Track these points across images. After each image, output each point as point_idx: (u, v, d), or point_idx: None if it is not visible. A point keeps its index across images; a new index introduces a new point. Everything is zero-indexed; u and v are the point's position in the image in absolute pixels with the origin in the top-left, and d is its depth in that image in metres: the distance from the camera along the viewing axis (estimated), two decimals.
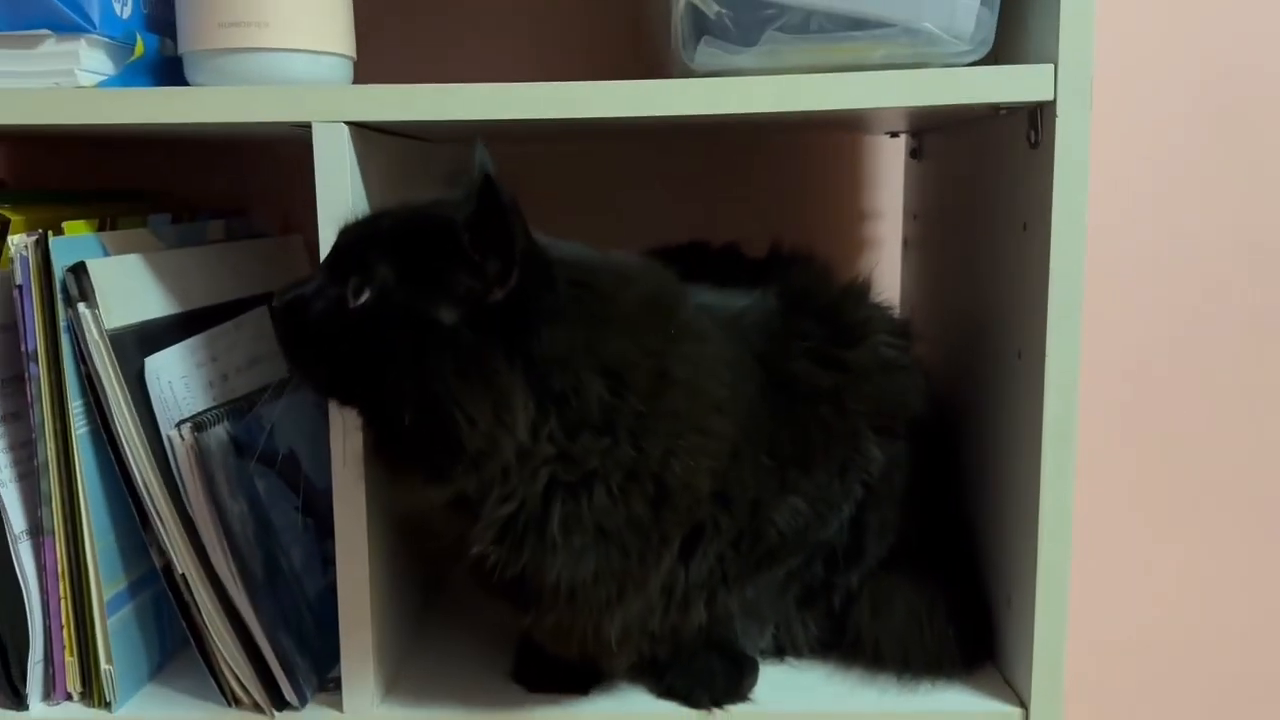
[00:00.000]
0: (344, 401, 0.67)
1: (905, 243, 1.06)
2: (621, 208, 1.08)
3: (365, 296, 0.63)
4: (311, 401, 0.93)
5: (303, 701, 0.75)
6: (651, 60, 0.85)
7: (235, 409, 0.80)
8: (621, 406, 0.64)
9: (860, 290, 0.78)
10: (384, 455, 0.67)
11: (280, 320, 0.66)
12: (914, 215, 1.03)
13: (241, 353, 0.86)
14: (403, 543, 0.81)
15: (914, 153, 1.02)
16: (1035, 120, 0.69)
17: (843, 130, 1.04)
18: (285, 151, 1.08)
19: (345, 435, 0.72)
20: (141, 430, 0.72)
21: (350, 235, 0.66)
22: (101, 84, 0.71)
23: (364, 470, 0.72)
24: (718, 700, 0.74)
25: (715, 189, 1.09)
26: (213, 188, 1.07)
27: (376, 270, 0.63)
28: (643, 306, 0.67)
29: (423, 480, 0.65)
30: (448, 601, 0.93)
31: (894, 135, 1.04)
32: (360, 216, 0.68)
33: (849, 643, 0.78)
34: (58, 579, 0.74)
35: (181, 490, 0.72)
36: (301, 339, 0.66)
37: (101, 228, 0.77)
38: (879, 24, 0.68)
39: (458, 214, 0.63)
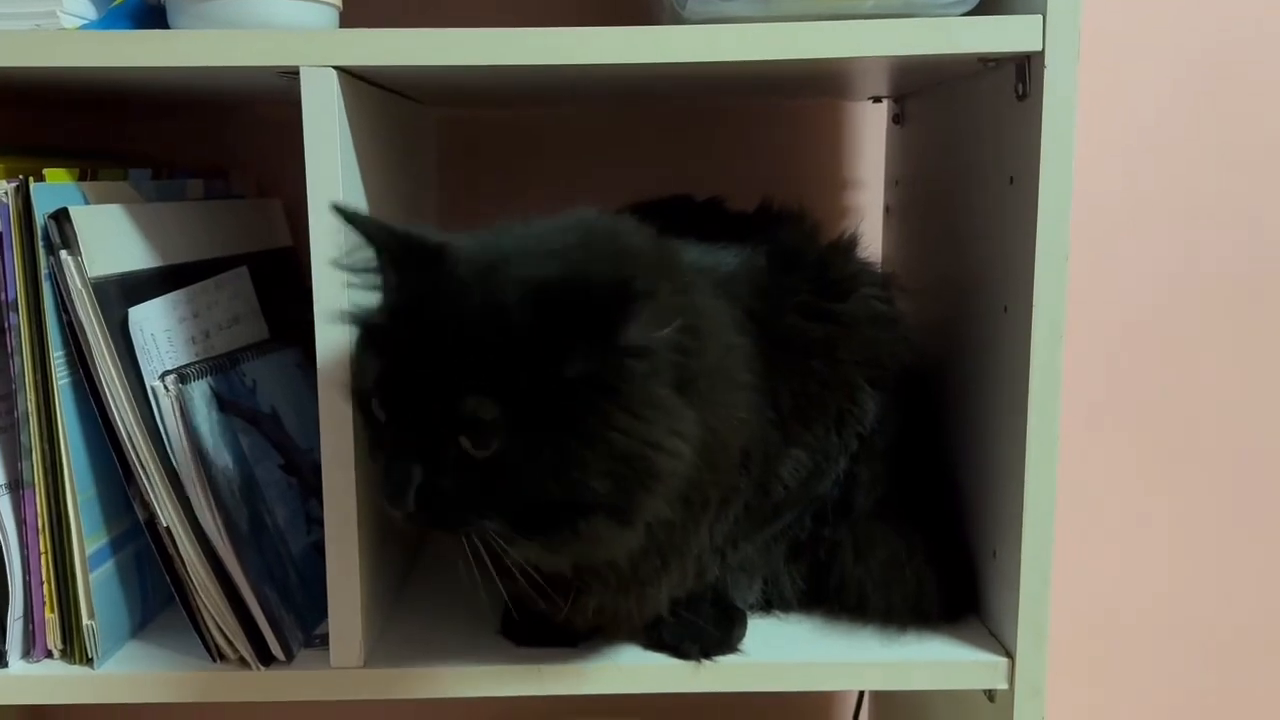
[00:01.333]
0: (526, 511, 0.60)
1: (887, 210, 1.06)
2: (601, 173, 1.08)
3: (493, 447, 0.58)
4: (293, 362, 0.92)
5: (289, 656, 0.74)
6: (638, 12, 0.85)
7: (217, 365, 0.79)
8: (688, 373, 0.62)
9: (847, 245, 0.79)
10: (550, 535, 0.61)
11: (424, 516, 0.61)
12: (896, 181, 1.04)
13: (222, 311, 0.85)
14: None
15: (896, 118, 1.03)
16: (1023, 72, 0.70)
17: (825, 95, 1.05)
18: (264, 114, 1.07)
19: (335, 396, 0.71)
20: (125, 381, 0.70)
21: (395, 385, 0.61)
22: (83, 27, 0.70)
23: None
24: (707, 652, 0.74)
25: (696, 157, 1.09)
26: (188, 151, 1.05)
27: (479, 413, 0.58)
28: (661, 261, 0.67)
29: (607, 532, 0.61)
30: (429, 562, 0.93)
31: (877, 100, 1.05)
32: (374, 367, 0.62)
33: (833, 592, 0.79)
34: (38, 533, 0.72)
35: (166, 442, 0.71)
36: (453, 514, 0.61)
37: (82, 178, 0.75)
38: None
39: (534, 310, 0.58)
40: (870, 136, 1.09)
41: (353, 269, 0.67)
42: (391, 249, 0.63)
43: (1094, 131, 0.97)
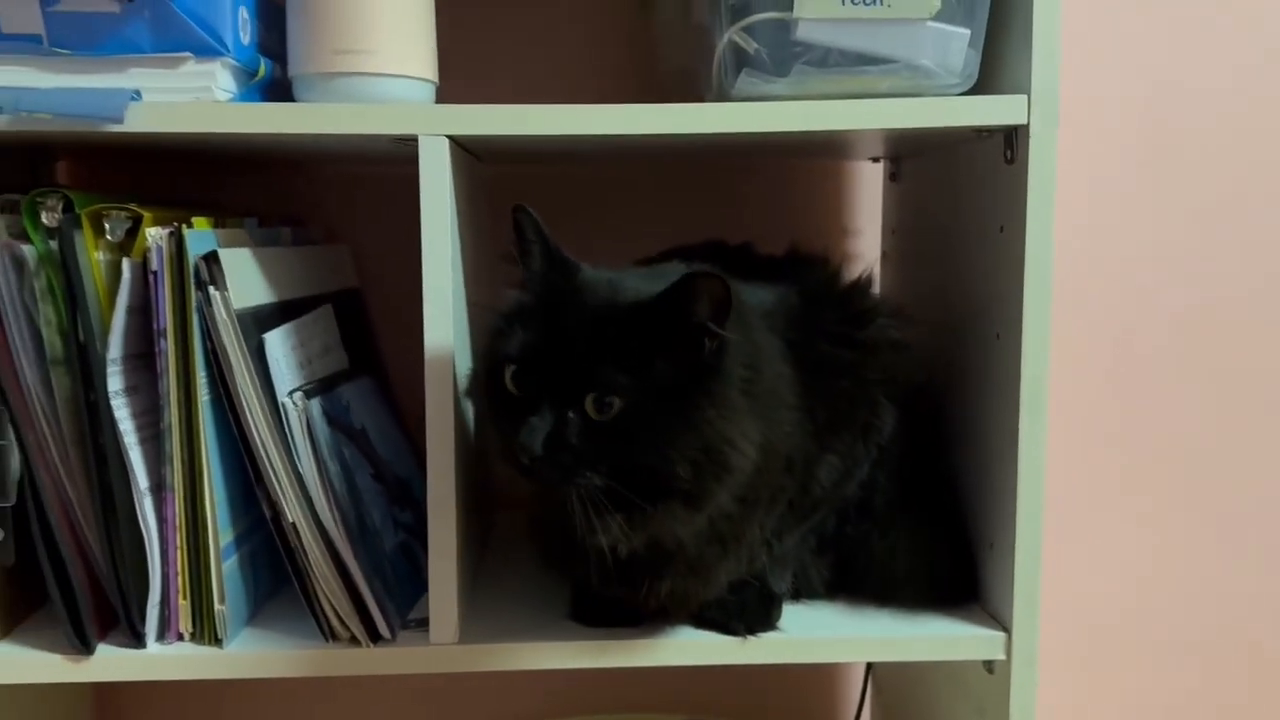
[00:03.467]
0: (617, 486, 0.73)
1: (884, 255, 1.21)
2: (631, 224, 1.22)
3: (610, 413, 0.72)
4: (370, 389, 1.05)
5: (394, 634, 0.86)
6: (667, 77, 0.99)
7: (323, 386, 0.92)
8: (752, 390, 0.76)
9: (865, 283, 0.93)
10: (633, 511, 0.74)
11: (546, 464, 0.73)
12: (892, 231, 1.19)
13: (318, 343, 0.98)
14: (470, 506, 0.93)
15: (893, 176, 1.18)
16: (1011, 140, 0.85)
17: (832, 157, 1.20)
18: (333, 172, 1.21)
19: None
20: (262, 397, 0.83)
21: (536, 354, 0.74)
22: (232, 99, 0.83)
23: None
24: (752, 629, 0.87)
25: (714, 210, 1.22)
26: (268, 203, 1.18)
27: (607, 381, 0.72)
28: (737, 303, 0.80)
29: (680, 515, 0.75)
30: (493, 559, 1.06)
31: (875, 160, 1.20)
32: (517, 339, 0.75)
33: (854, 581, 0.92)
34: (175, 530, 0.84)
35: (293, 449, 0.83)
36: (570, 466, 0.73)
37: (215, 226, 0.88)
38: (886, 60, 0.82)
39: (656, 296, 0.73)
40: (868, 191, 1.24)
41: (507, 258, 0.81)
42: (548, 252, 0.79)
43: (1071, 180, 1.14)
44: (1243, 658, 1.33)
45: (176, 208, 0.90)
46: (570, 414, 0.73)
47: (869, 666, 1.20)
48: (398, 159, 0.95)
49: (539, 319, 0.76)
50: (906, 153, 1.12)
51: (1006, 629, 0.88)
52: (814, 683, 1.30)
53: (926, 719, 1.09)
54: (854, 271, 0.95)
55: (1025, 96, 0.82)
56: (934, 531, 0.92)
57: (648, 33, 1.12)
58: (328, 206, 1.21)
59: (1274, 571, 1.31)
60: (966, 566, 0.93)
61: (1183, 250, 1.27)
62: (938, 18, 0.81)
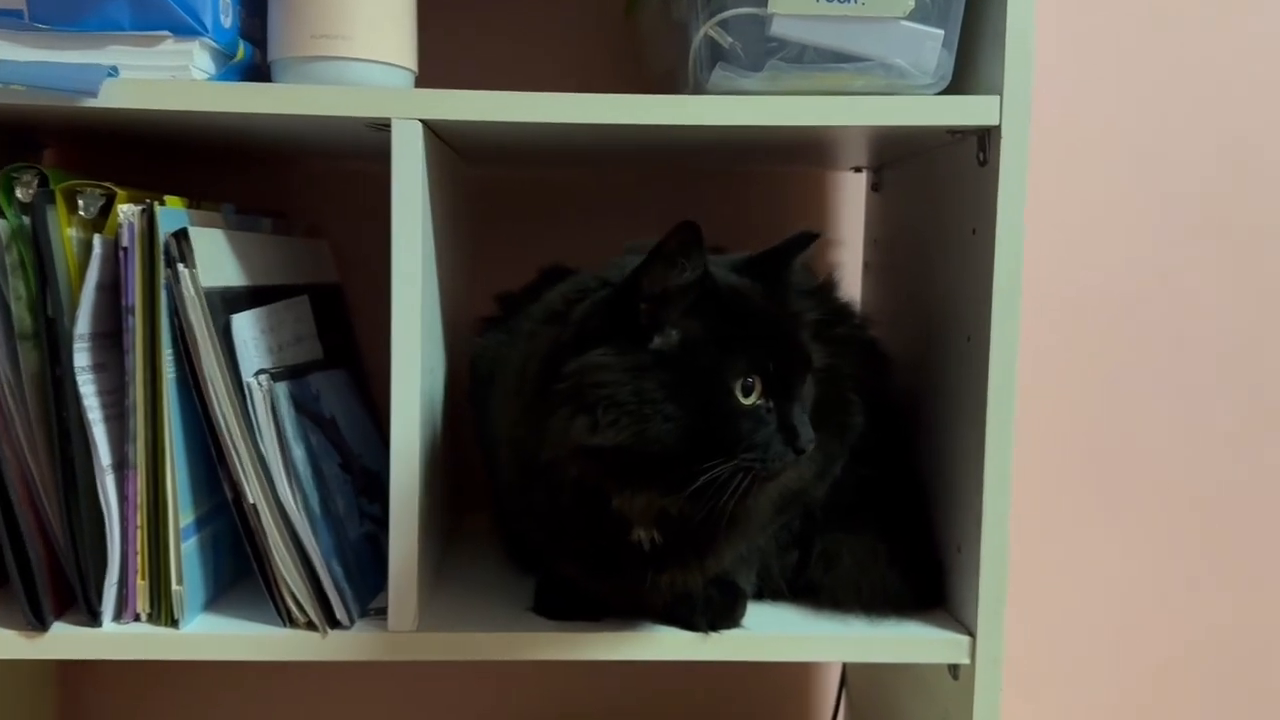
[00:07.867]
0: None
1: (866, 265, 1.21)
2: (610, 230, 1.21)
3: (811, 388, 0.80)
4: (343, 382, 1.05)
5: (351, 622, 0.85)
6: (652, 79, 1.00)
7: (292, 372, 0.91)
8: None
9: (832, 284, 0.93)
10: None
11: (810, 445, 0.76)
12: (874, 241, 1.19)
13: (289, 330, 0.98)
14: (435, 496, 0.93)
15: (875, 186, 1.18)
16: (983, 143, 0.85)
17: (815, 164, 1.20)
18: (315, 168, 1.21)
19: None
20: (226, 377, 0.82)
21: (776, 363, 0.75)
22: (209, 79, 0.83)
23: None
24: (714, 625, 0.86)
25: (697, 217, 1.22)
26: (249, 197, 1.18)
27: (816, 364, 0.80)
28: None
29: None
30: (457, 553, 1.05)
31: (858, 170, 1.20)
32: (742, 358, 0.74)
33: (817, 582, 0.91)
34: (136, 509, 0.83)
35: (256, 431, 0.83)
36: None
37: (189, 207, 0.88)
38: (860, 58, 0.83)
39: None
40: (852, 202, 1.24)
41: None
42: (705, 266, 0.80)
43: (1043, 183, 1.14)
44: (1212, 671, 1.32)
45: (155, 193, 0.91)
46: (795, 404, 0.76)
47: (844, 676, 1.19)
48: (380, 155, 0.95)
49: (745, 332, 0.76)
50: (886, 160, 1.12)
51: (971, 633, 0.87)
52: (786, 692, 1.29)
53: None
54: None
55: (998, 98, 0.82)
56: (898, 535, 0.92)
57: (633, 35, 1.12)
58: (311, 202, 1.21)
59: (1247, 581, 1.31)
60: (932, 572, 0.93)
61: (1158, 254, 1.28)
62: (912, 17, 0.82)
